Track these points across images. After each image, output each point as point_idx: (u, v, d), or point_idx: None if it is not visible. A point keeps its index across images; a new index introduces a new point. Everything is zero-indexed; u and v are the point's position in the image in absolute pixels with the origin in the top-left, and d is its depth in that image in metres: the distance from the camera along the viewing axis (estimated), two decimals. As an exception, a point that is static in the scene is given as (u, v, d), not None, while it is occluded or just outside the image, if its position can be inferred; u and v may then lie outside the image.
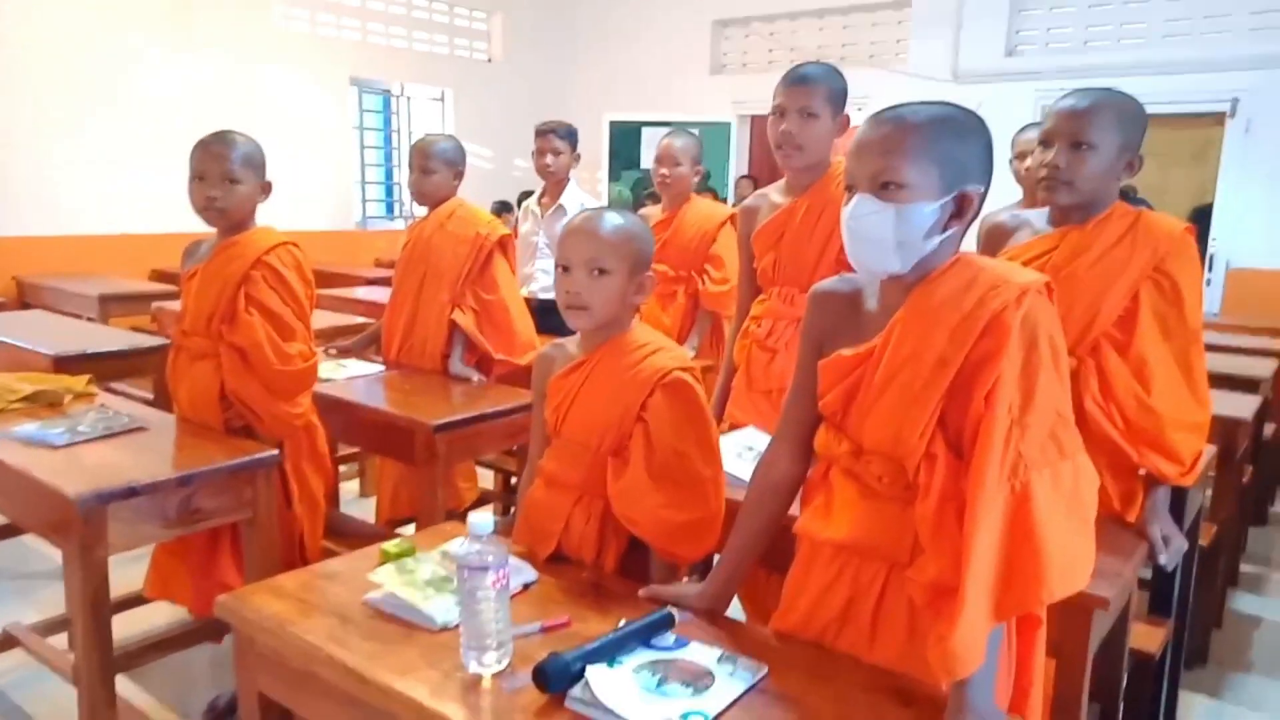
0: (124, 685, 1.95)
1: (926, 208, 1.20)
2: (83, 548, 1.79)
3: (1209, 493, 2.73)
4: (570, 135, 3.69)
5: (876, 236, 1.22)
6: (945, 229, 1.23)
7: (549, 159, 3.65)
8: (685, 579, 1.66)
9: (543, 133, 3.67)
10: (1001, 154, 3.51)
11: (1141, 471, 1.77)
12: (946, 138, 1.21)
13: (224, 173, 2.19)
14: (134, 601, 2.51)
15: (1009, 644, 1.25)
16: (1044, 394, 1.16)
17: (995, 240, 1.98)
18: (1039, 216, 1.94)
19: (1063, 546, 1.12)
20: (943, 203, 1.21)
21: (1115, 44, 5.88)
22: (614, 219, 1.58)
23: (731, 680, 1.20)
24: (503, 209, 6.46)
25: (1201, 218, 6.44)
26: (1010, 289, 1.18)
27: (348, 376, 2.85)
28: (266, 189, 2.30)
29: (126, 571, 2.29)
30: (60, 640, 2.58)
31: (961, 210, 1.23)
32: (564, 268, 1.56)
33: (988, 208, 1.34)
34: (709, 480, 1.55)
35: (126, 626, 2.32)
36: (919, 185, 1.20)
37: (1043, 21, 6.14)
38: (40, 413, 2.28)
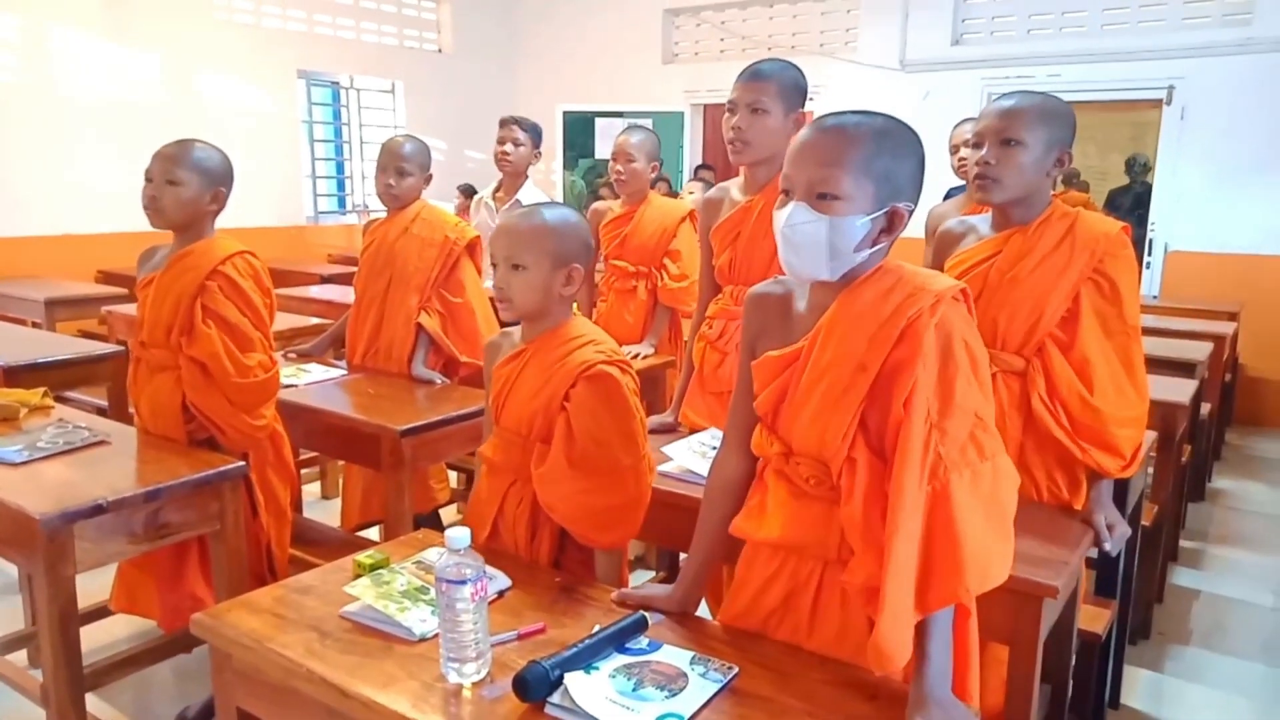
0: (90, 700, 1.94)
1: (859, 220, 1.22)
2: (49, 568, 1.77)
3: (1151, 471, 2.85)
4: (534, 130, 3.67)
5: (810, 245, 1.23)
6: (875, 243, 1.25)
7: (509, 148, 3.61)
8: (635, 571, 1.71)
9: (506, 122, 3.64)
10: (945, 142, 3.54)
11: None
12: (885, 154, 1.23)
13: (165, 172, 2.19)
14: (99, 613, 2.48)
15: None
16: (962, 398, 1.20)
17: (945, 246, 2.04)
18: (983, 221, 2.00)
19: (981, 543, 1.18)
20: (874, 216, 1.23)
21: (1057, 32, 6.05)
22: (536, 215, 1.64)
23: (704, 681, 1.25)
24: (470, 193, 6.47)
25: (1138, 196, 6.67)
26: (925, 296, 1.21)
27: (309, 381, 2.83)
28: (217, 197, 2.26)
29: (91, 581, 2.26)
30: (20, 656, 2.55)
31: (892, 225, 1.25)
32: (493, 263, 1.64)
33: (924, 205, 1.37)
34: (629, 469, 1.60)
35: (92, 639, 2.30)
36: (854, 198, 1.22)
37: (987, 10, 6.28)
38: (-5, 429, 2.24)
